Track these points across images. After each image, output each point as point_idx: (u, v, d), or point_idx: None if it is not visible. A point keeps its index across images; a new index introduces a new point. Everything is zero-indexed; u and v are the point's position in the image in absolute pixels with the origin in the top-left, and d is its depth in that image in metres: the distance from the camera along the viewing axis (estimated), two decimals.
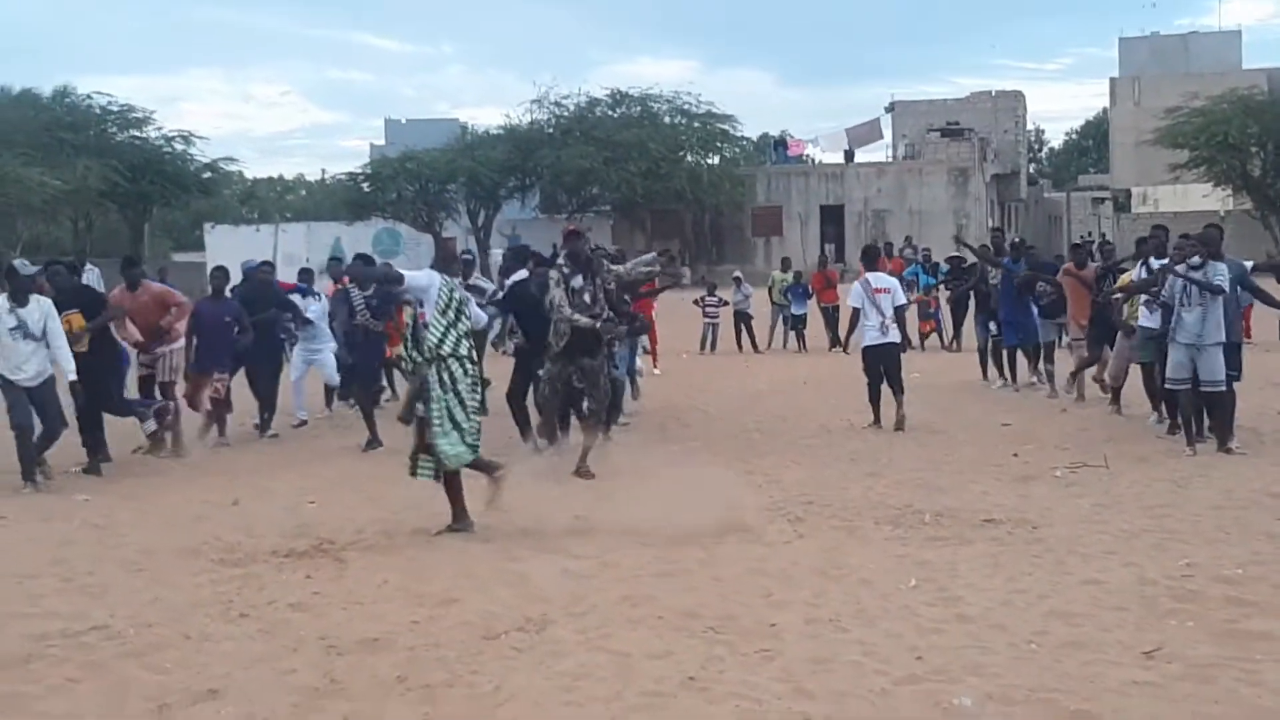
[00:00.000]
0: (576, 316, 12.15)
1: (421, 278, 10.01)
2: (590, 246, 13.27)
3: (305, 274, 17.75)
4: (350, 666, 6.76)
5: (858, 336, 15.68)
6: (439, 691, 6.38)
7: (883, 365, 15.39)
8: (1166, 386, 13.17)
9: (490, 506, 10.10)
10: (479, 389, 9.94)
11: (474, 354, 9.97)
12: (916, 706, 6.05)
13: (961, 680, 6.36)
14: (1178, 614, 7.43)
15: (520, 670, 6.67)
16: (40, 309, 12.13)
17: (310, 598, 8.12)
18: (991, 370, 19.42)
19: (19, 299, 12.12)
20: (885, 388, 15.41)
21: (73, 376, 12.20)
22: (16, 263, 12.84)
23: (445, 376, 9.66)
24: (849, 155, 68.39)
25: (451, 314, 9.79)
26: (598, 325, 12.20)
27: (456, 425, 9.72)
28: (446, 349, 9.70)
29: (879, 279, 15.71)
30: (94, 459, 13.01)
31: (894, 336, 15.54)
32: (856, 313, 15.74)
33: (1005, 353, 18.93)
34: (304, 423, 16.22)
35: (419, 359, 9.72)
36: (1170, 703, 6.03)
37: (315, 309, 16.38)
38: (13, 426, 12.15)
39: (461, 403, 9.73)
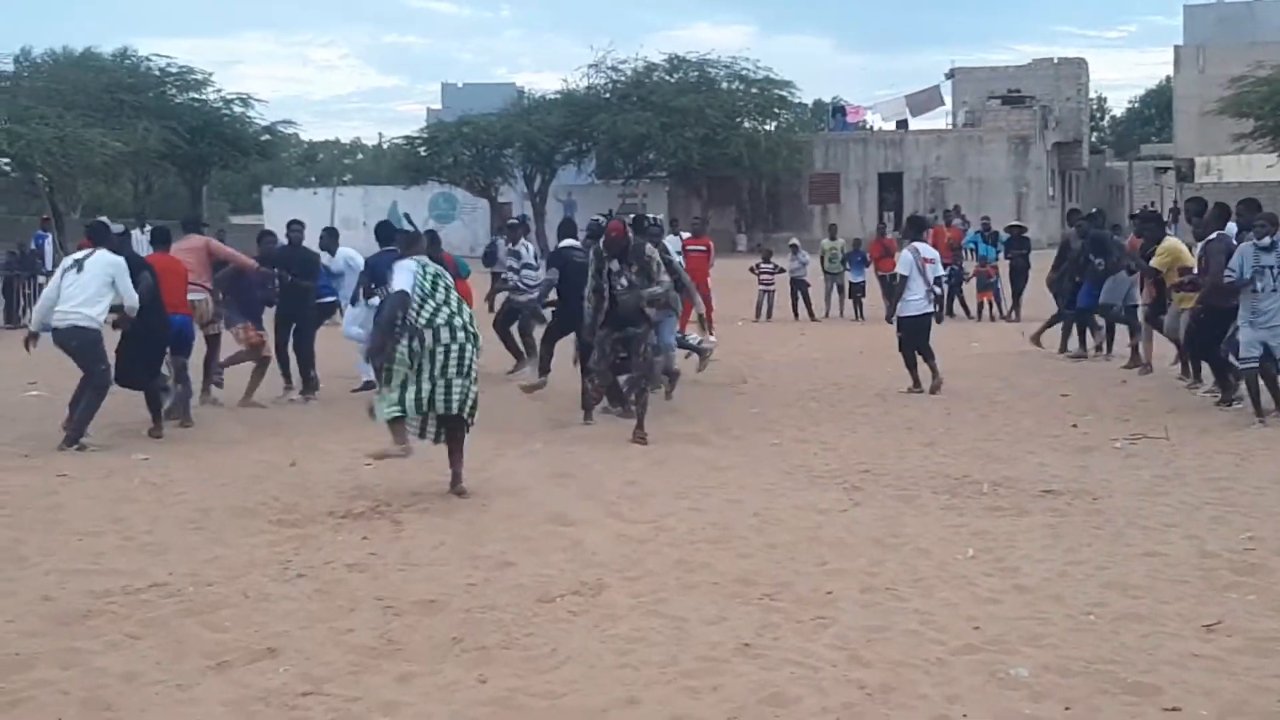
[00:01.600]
0: (593, 295, 12.69)
1: (394, 277, 10.12)
2: (641, 218, 13.58)
3: (331, 233, 17.67)
4: (406, 627, 6.79)
5: (898, 304, 15.70)
6: (494, 653, 6.40)
7: (923, 333, 15.77)
8: (1242, 366, 12.94)
9: (369, 456, 10.44)
10: (463, 356, 9.92)
11: (459, 324, 9.97)
12: (973, 676, 6.01)
13: (1018, 651, 6.32)
14: (1238, 587, 7.35)
15: (575, 634, 6.68)
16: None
17: (367, 558, 8.16)
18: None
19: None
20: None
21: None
22: (104, 220, 13.13)
23: (415, 345, 9.76)
24: (902, 124, 67.87)
25: (428, 289, 9.92)
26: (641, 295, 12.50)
27: (401, 388, 9.81)
28: (422, 321, 9.81)
29: (926, 249, 16.09)
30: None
31: (932, 306, 16.04)
32: (903, 280, 15.79)
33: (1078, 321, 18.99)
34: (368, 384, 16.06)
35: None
36: (1230, 676, 5.97)
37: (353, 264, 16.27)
38: (104, 386, 12.34)
39: (420, 371, 9.80)
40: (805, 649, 6.40)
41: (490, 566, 7.96)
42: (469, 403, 9.93)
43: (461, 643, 6.54)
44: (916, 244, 15.97)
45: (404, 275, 9.93)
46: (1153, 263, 15.66)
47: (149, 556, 8.28)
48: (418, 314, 9.83)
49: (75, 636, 6.69)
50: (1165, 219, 19.53)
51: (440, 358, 9.78)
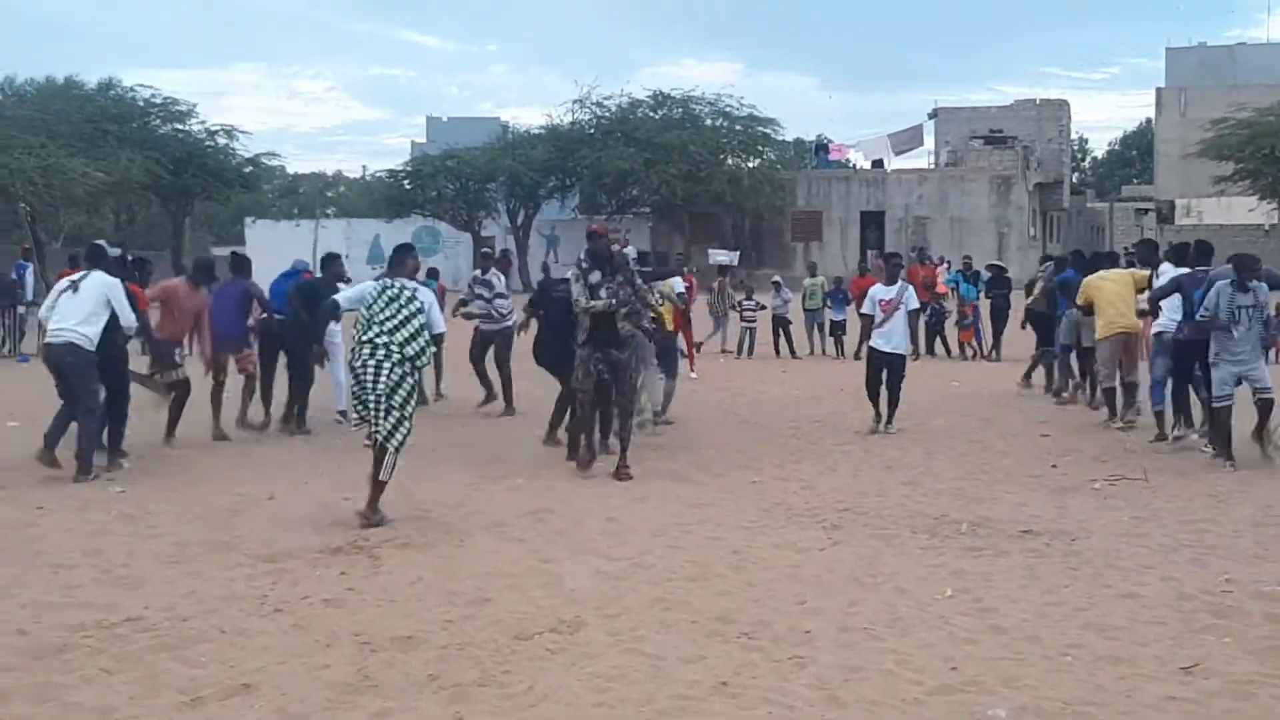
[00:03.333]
0: (591, 303, 12.33)
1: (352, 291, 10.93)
2: (664, 255, 13.64)
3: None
4: (383, 663, 6.77)
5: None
6: (471, 690, 6.37)
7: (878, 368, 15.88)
8: (1214, 405, 13.02)
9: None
10: (376, 372, 10.20)
11: (381, 343, 10.28)
12: (950, 717, 6.01)
13: (995, 692, 6.32)
14: (1216, 630, 7.36)
15: (552, 671, 6.66)
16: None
17: (344, 594, 8.13)
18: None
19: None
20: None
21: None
22: (103, 243, 13.09)
23: (353, 359, 10.39)
24: (878, 163, 68.26)
25: (377, 308, 10.38)
26: (610, 305, 12.31)
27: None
28: (361, 336, 10.34)
29: (883, 291, 16.01)
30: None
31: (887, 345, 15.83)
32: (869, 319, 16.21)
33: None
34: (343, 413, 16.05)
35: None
36: (1207, 719, 5.97)
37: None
38: (95, 410, 12.34)
39: (357, 379, 10.27)
40: (783, 688, 6.39)
41: (468, 603, 7.93)
42: (394, 434, 10.18)
43: (438, 680, 6.51)
44: (876, 286, 16.30)
45: (353, 290, 10.60)
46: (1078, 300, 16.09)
47: (125, 590, 8.23)
48: (360, 330, 10.34)
49: (50, 671, 6.64)
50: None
51: (359, 373, 10.21)
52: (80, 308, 12.17)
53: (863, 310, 16.38)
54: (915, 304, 16.12)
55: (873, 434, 15.43)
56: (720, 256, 33.00)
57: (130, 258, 16.11)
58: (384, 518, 10.10)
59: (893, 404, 15.79)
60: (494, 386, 17.17)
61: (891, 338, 15.66)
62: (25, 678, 6.51)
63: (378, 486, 10.20)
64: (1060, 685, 6.41)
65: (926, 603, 7.95)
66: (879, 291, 15.94)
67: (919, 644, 7.12)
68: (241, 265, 15.68)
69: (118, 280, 12.45)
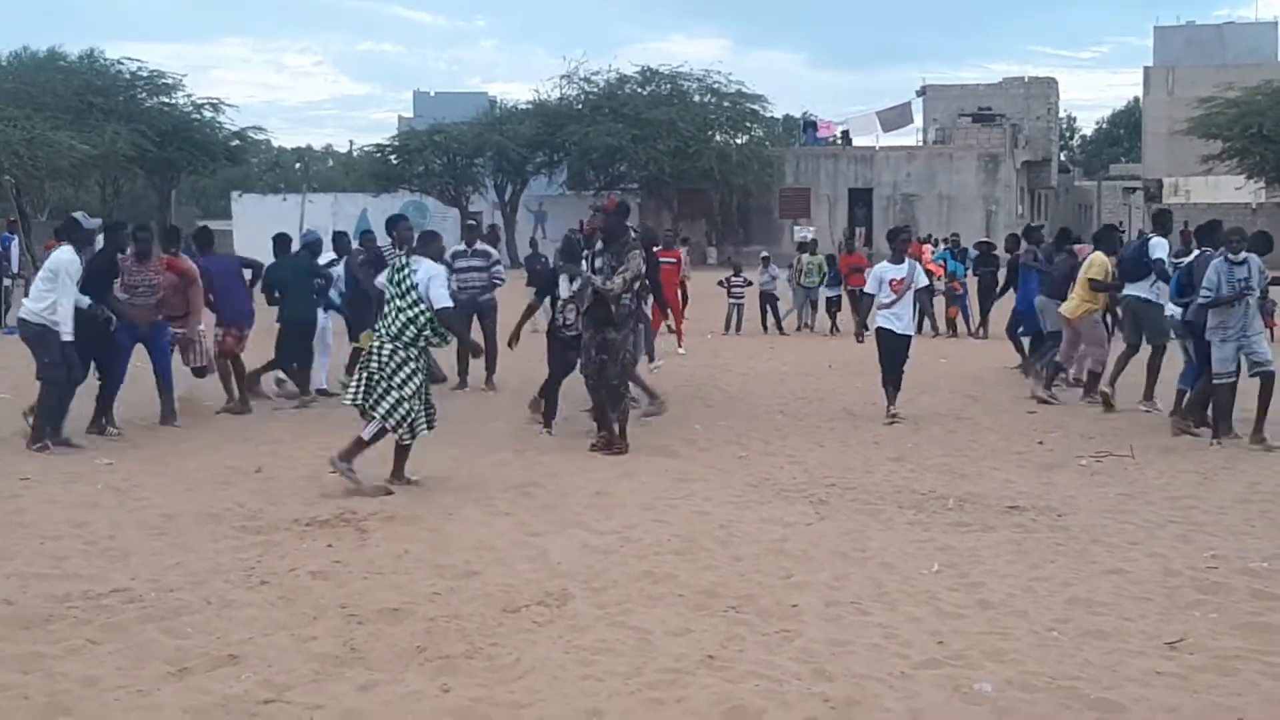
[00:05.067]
0: (591, 277, 12.23)
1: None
2: (650, 229, 13.43)
3: (340, 237, 17.74)
4: (370, 635, 6.77)
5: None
6: (458, 663, 6.38)
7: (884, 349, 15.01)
8: (1215, 382, 12.94)
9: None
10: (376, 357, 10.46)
11: (380, 327, 10.59)
12: (937, 691, 6.02)
13: (982, 666, 6.34)
14: (1201, 605, 7.38)
15: (540, 644, 6.66)
16: None
17: (331, 566, 8.12)
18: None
19: (82, 250, 12.53)
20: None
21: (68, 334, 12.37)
22: (79, 215, 12.96)
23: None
24: (846, 136, 68.30)
25: (396, 292, 10.63)
26: (603, 285, 12.15)
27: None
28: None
29: (892, 269, 15.07)
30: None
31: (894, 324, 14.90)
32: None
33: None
34: (323, 392, 16.08)
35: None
36: (1192, 693, 6.00)
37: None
38: (53, 381, 12.22)
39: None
40: (769, 662, 6.40)
41: (455, 575, 7.93)
42: (380, 405, 10.34)
43: (425, 652, 6.51)
44: (883, 264, 15.30)
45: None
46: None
47: (111, 561, 8.22)
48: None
49: (36, 641, 6.63)
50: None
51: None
52: (35, 284, 12.47)
53: (867, 289, 15.34)
54: (924, 281, 15.28)
55: (892, 423, 14.36)
56: (804, 233, 32.66)
57: (176, 229, 15.98)
58: (352, 474, 10.24)
59: (896, 386, 14.85)
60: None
61: (903, 318, 14.70)
62: (11, 648, 6.50)
63: (358, 441, 10.36)
64: (1046, 659, 6.43)
65: (913, 577, 7.97)
66: (887, 270, 14.85)
67: (906, 618, 7.13)
68: (208, 239, 15.74)
69: (66, 256, 12.32)
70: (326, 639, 6.70)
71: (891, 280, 14.66)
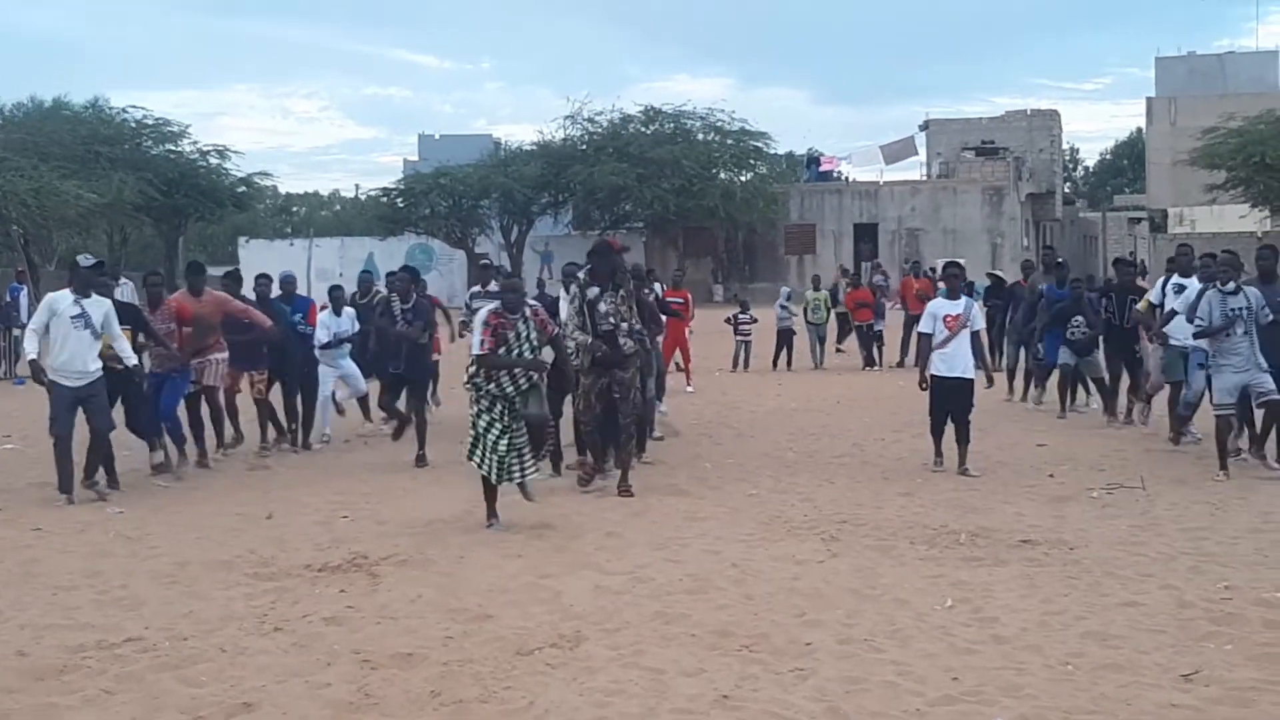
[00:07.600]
0: (577, 335, 12.13)
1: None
2: (640, 268, 13.29)
3: (336, 290, 17.69)
4: (384, 681, 6.76)
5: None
6: (472, 707, 6.37)
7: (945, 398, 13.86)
8: (1216, 412, 12.91)
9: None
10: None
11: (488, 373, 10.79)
12: None
13: (997, 702, 6.32)
14: (1216, 637, 7.36)
15: (553, 686, 6.65)
16: (100, 305, 12.38)
17: (344, 612, 8.12)
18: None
19: (82, 291, 12.35)
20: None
21: (133, 361, 12.61)
22: (80, 258, 12.95)
23: None
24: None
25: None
26: (585, 348, 12.08)
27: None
28: None
29: (947, 305, 14.12)
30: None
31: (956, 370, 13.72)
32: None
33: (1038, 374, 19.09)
34: (327, 440, 16.10)
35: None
36: None
37: (344, 324, 16.25)
38: (53, 434, 12.14)
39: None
40: (784, 700, 6.39)
41: (468, 619, 7.93)
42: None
43: (439, 696, 6.51)
44: (938, 299, 14.59)
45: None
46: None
47: (124, 611, 8.23)
48: None
49: (50, 692, 6.64)
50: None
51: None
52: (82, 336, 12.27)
53: (921, 328, 14.10)
54: (982, 323, 14.15)
55: (935, 472, 13.43)
56: (784, 293, 32.29)
57: (200, 264, 15.77)
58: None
59: (963, 439, 13.52)
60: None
61: (955, 361, 13.55)
62: (26, 699, 6.50)
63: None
64: (1061, 694, 6.41)
65: (926, 613, 7.95)
66: (941, 306, 13.95)
67: (920, 654, 7.12)
68: (236, 281, 15.61)
69: (47, 300, 12.43)
70: (340, 685, 6.70)
71: (946, 316, 13.68)
